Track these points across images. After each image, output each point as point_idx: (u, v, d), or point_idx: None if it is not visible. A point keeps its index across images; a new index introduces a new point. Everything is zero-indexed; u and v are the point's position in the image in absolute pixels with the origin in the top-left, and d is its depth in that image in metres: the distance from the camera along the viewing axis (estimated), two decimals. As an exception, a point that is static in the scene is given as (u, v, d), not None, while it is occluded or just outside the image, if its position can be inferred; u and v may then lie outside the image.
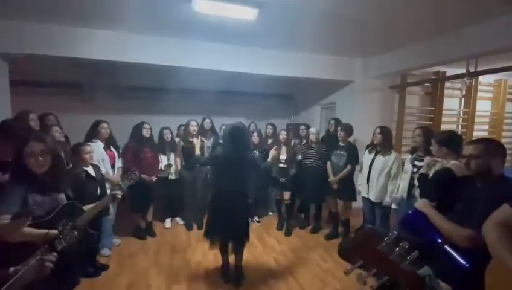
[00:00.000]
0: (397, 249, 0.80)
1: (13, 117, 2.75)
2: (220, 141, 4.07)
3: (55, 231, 1.45)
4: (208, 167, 3.76)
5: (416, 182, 2.54)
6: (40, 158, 1.50)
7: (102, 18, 3.06)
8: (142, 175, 3.30)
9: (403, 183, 2.78)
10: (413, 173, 2.62)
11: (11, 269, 1.12)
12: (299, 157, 3.84)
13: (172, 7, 2.72)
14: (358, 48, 4.09)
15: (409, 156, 2.83)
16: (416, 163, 2.63)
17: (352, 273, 0.84)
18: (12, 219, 1.30)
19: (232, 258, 2.74)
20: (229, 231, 2.55)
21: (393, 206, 2.90)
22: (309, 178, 3.69)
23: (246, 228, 2.66)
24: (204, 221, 3.86)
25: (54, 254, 1.20)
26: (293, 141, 4.17)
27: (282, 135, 3.88)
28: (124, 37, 3.47)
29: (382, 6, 2.60)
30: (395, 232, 0.83)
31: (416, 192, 2.50)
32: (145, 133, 3.45)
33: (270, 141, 4.25)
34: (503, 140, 5.04)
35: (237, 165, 2.50)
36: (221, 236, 2.62)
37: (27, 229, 1.38)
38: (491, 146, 1.42)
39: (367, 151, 3.27)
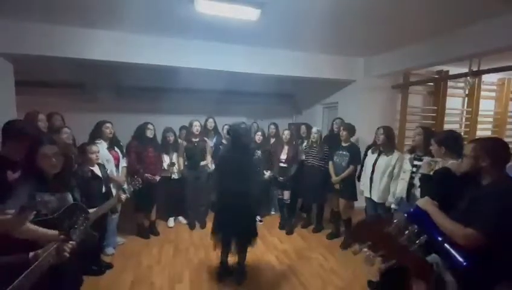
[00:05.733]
0: (406, 232, 0.80)
1: (23, 117, 2.77)
2: (223, 141, 4.10)
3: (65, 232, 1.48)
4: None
5: (415, 182, 2.52)
6: (54, 159, 1.57)
7: (106, 19, 3.08)
8: (146, 174, 3.33)
9: (402, 183, 2.75)
10: (412, 172, 2.61)
11: (31, 254, 1.17)
12: (302, 157, 3.85)
13: (175, 8, 2.74)
14: (360, 47, 4.08)
15: (408, 156, 2.82)
16: (415, 163, 2.61)
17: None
18: (17, 213, 1.28)
19: (233, 257, 2.75)
20: (235, 230, 2.57)
21: (392, 206, 2.88)
22: (310, 178, 3.70)
23: (252, 227, 2.69)
24: (207, 220, 3.92)
25: (72, 242, 1.27)
26: (293, 141, 4.18)
27: (286, 135, 3.89)
28: (126, 37, 3.49)
29: (384, 5, 2.60)
30: (405, 215, 0.83)
31: (416, 192, 2.48)
32: (149, 133, 3.47)
33: (272, 140, 4.26)
34: (506, 139, 4.98)
35: (242, 165, 2.52)
36: (228, 235, 2.63)
37: (32, 226, 1.40)
38: (486, 145, 1.37)
39: (369, 151, 3.25)
